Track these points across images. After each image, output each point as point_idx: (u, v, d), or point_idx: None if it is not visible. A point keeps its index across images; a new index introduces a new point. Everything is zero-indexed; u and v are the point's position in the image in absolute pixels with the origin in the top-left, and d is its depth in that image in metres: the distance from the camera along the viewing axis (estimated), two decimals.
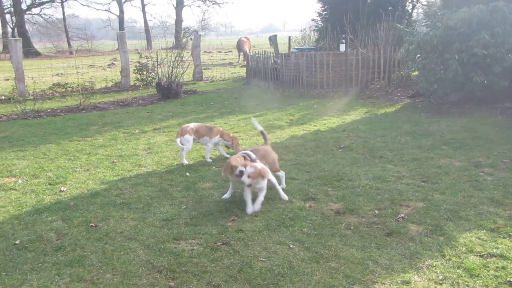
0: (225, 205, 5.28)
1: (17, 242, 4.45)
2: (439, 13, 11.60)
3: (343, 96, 13.22)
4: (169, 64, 14.41)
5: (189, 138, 7.09)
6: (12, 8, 46.12)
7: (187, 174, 6.52)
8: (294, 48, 18.32)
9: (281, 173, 5.89)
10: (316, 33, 19.48)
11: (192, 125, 7.23)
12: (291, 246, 4.22)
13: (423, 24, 11.62)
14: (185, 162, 7.07)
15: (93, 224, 4.84)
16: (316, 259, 3.95)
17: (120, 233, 4.61)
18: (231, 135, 7.37)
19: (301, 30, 21.85)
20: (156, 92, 14.98)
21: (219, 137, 7.21)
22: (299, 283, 3.58)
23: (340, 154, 7.33)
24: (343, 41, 14.14)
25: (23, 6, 46.94)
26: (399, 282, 3.57)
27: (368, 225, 4.63)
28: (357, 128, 9.11)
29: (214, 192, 5.76)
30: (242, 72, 21.64)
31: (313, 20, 19.77)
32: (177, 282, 3.65)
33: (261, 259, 3.98)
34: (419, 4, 17.81)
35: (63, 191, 5.97)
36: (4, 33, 45.20)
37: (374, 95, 13.10)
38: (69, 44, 50.08)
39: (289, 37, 19.73)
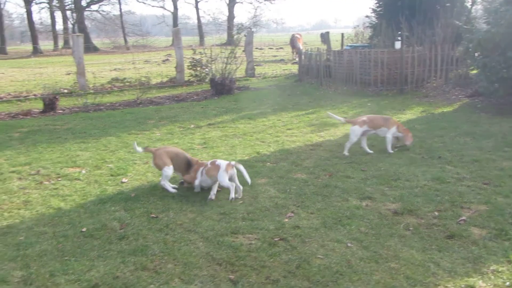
0: (281, 202, 5.32)
1: (84, 229, 4.68)
2: (501, 9, 11.14)
3: (397, 95, 12.95)
4: (222, 60, 14.61)
5: (356, 129, 7.25)
6: (73, 5, 48.07)
7: None
8: (347, 45, 18.11)
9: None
10: (369, 30, 19.15)
11: (365, 117, 7.40)
12: (349, 244, 4.20)
13: (483, 21, 11.16)
14: (346, 153, 7.24)
15: (153, 215, 5.00)
16: (375, 259, 3.92)
17: (180, 224, 4.75)
18: (404, 127, 7.45)
19: (354, 27, 21.55)
20: (209, 88, 15.22)
21: (396, 128, 7.28)
22: (358, 282, 3.57)
23: (396, 153, 7.19)
24: (399, 38, 13.85)
25: (83, 3, 48.84)
26: (462, 286, 3.49)
27: (428, 227, 4.54)
28: (413, 127, 8.90)
29: (269, 188, 5.81)
30: (294, 68, 21.61)
31: (367, 16, 19.43)
32: (236, 275, 3.72)
33: (319, 256, 4.00)
34: (479, 0, 17.15)
35: (124, 182, 6.19)
36: (65, 29, 47.27)
37: (431, 94, 12.74)
38: (125, 40, 51.72)
39: (342, 34, 19.50)
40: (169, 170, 5.75)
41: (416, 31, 14.38)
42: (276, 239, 4.36)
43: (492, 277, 3.61)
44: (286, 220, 4.81)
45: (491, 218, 4.63)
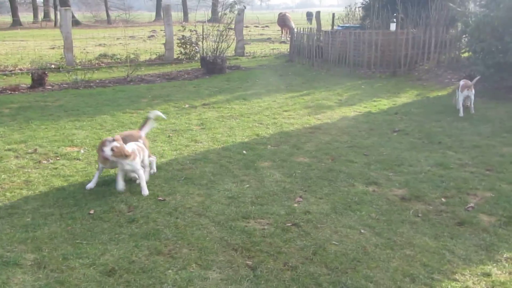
0: (288, 186, 5.30)
1: (92, 212, 4.59)
2: None
3: (390, 77, 12.97)
4: (213, 38, 14.38)
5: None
6: None
7: (244, 152, 6.55)
8: (338, 26, 18.01)
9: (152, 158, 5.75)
10: (362, 11, 19.05)
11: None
12: (362, 231, 4.22)
13: (477, 4, 11.18)
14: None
15: (161, 198, 4.93)
16: (390, 246, 3.95)
17: (189, 208, 4.70)
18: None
19: (346, 7, 21.39)
20: (200, 67, 15.01)
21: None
22: (376, 270, 3.59)
23: (396, 138, 7.22)
24: (394, 20, 13.80)
25: None
26: (479, 274, 3.53)
27: (437, 213, 4.58)
28: (410, 111, 8.95)
29: (274, 171, 5.78)
30: (282, 48, 21.48)
31: None
32: (254, 261, 3.70)
33: (334, 242, 4.00)
34: None
35: None
36: (46, 1, 45.93)
37: (423, 77, 12.79)
38: (107, 14, 50.54)
39: (333, 14, 19.37)
40: None
41: (411, 13, 14.35)
42: (289, 224, 4.35)
43: (507, 264, 3.66)
44: (296, 205, 4.80)
45: (498, 205, 4.69)
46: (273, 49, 21.58)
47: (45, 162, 6.13)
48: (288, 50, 18.55)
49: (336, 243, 4.00)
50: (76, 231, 4.19)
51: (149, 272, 3.52)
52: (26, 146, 6.79)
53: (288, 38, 22.81)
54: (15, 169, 5.83)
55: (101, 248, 3.88)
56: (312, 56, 15.32)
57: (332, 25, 18.75)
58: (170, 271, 3.55)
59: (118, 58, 16.59)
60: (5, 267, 3.57)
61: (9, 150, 6.60)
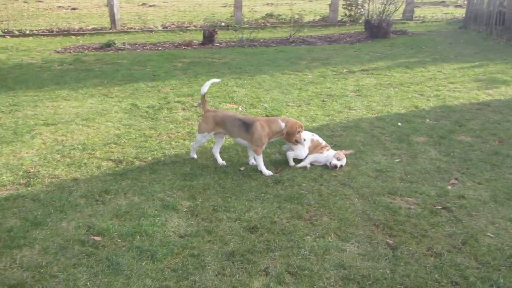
0: (443, 165, 4.94)
1: (242, 169, 4.84)
2: None
3: None
4: (381, 0, 13.71)
5: None
6: None
7: (399, 124, 6.25)
8: None
9: None
10: None
11: None
12: None
13: None
14: None
15: None
16: None
17: (334, 177, 4.67)
18: None
19: None
20: (363, 30, 14.54)
21: None
22: None
23: None
24: None
25: None
26: None
27: None
28: None
29: (429, 148, 5.42)
30: (457, 13, 19.68)
31: None
32: (395, 240, 3.57)
33: (489, 234, 3.65)
34: None
35: None
36: None
37: None
38: None
39: None
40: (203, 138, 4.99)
41: None
42: (438, 207, 4.07)
43: None
44: (449, 187, 4.46)
45: None
46: (446, 13, 19.87)
47: (209, 108, 6.55)
48: (463, 15, 16.89)
49: (492, 235, 3.64)
50: (227, 185, 4.47)
51: (288, 235, 3.62)
52: (192, 99, 7.37)
53: (465, 2, 20.70)
54: (181, 120, 6.39)
55: (247, 204, 4.09)
56: (491, 23, 13.72)
57: None
58: (308, 237, 3.60)
59: (283, 18, 16.90)
60: (165, 210, 3.98)
61: (178, 102, 7.23)
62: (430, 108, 7.01)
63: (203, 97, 4.98)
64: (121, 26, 15.49)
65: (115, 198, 4.17)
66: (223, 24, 15.44)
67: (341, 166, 4.82)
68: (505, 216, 3.93)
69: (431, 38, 13.75)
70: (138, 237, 3.56)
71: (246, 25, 15.28)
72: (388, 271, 3.20)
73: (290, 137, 4.72)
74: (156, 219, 3.82)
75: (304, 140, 4.84)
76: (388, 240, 3.57)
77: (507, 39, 12.81)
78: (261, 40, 13.12)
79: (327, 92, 7.81)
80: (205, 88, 4.94)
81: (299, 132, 4.74)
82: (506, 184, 4.50)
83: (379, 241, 3.57)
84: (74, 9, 21.03)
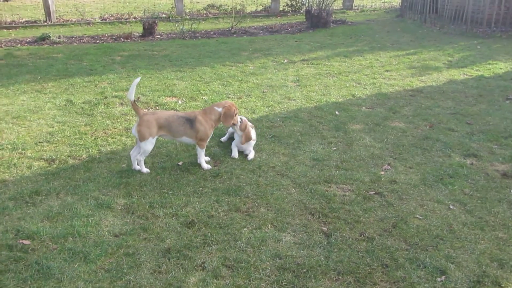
0: (377, 152, 5.10)
1: (180, 163, 4.80)
2: None
3: None
4: None
5: None
6: None
7: (337, 112, 6.39)
8: None
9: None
10: None
11: None
12: (451, 207, 3.96)
13: None
14: None
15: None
16: (480, 226, 3.67)
17: (272, 167, 4.72)
18: None
19: None
20: (304, 20, 14.71)
21: None
22: (461, 250, 3.37)
23: (508, 106, 6.58)
24: None
25: None
26: None
27: None
28: None
29: (365, 135, 5.58)
30: (395, 2, 20.21)
31: None
32: (329, 227, 3.66)
33: (417, 216, 3.81)
34: None
35: None
36: None
37: None
38: None
39: None
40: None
41: None
42: (371, 192, 4.21)
43: None
44: (382, 173, 4.61)
45: None
46: (384, 2, 20.39)
47: (146, 111, 6.46)
48: (400, 4, 17.42)
49: (420, 217, 3.80)
50: (164, 180, 4.42)
51: (225, 228, 3.63)
52: None
53: None
54: (118, 116, 6.24)
55: (185, 199, 4.07)
56: (425, 11, 14.24)
57: None
58: (245, 229, 3.63)
59: (225, 9, 16.81)
60: (99, 209, 3.89)
61: (115, 97, 7.05)
62: (366, 96, 7.20)
63: (133, 103, 4.53)
64: (57, 18, 14.89)
65: (46, 199, 4.03)
66: (164, 15, 15.16)
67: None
68: (433, 198, 4.11)
69: (369, 27, 14.09)
70: (71, 238, 3.46)
71: (188, 17, 15.08)
72: (322, 258, 3.28)
73: (228, 119, 4.68)
74: (90, 219, 3.72)
75: (240, 121, 4.85)
76: (323, 228, 3.66)
77: (440, 26, 13.33)
78: (203, 32, 13.00)
79: (268, 83, 7.86)
80: (132, 94, 4.50)
81: (236, 114, 4.74)
82: (435, 167, 4.70)
83: (314, 229, 3.64)
84: (6, 0, 20.02)
